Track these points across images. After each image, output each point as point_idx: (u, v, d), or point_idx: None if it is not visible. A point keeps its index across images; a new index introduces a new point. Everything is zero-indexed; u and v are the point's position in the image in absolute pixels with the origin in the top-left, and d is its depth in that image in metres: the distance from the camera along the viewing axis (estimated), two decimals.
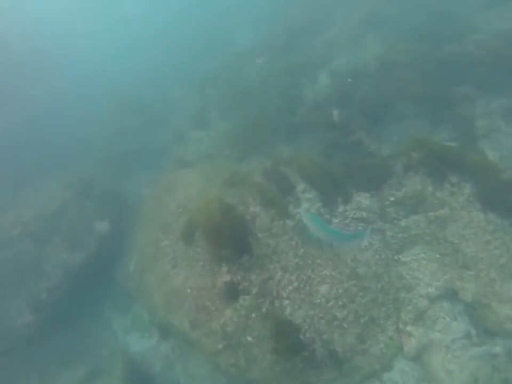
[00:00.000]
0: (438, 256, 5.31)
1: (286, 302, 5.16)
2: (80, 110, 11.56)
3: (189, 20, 17.14)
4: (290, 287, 5.29)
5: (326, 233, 5.14)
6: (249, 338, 4.93)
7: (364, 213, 5.89)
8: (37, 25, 12.85)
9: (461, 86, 6.31)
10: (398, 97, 6.54)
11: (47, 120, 10.54)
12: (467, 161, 5.26)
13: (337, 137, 6.35)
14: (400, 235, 5.67)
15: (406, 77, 6.72)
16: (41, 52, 11.85)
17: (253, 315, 5.04)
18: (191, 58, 14.98)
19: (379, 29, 9.02)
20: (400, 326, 4.91)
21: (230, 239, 5.26)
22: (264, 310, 5.00)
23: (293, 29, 10.98)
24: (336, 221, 5.98)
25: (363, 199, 5.96)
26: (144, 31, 17.89)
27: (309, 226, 5.23)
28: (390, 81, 6.82)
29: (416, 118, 6.43)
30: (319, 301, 5.15)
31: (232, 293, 5.01)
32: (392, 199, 5.82)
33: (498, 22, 7.75)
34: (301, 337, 4.71)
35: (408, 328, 4.85)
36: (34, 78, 11.03)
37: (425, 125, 6.46)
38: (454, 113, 6.12)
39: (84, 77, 13.11)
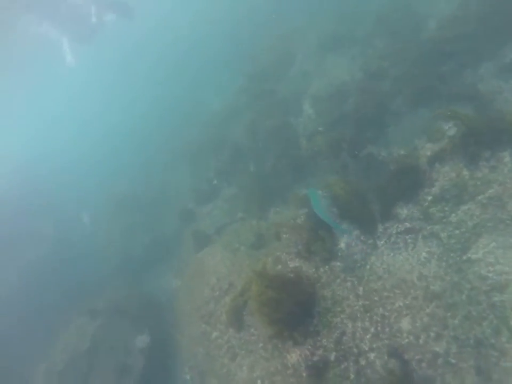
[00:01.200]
0: None
1: (372, 355, 4.39)
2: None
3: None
4: (368, 336, 4.55)
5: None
6: None
7: (406, 223, 5.36)
8: None
9: (443, 66, 6.19)
10: (388, 100, 6.39)
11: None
12: (491, 126, 4.84)
13: (347, 159, 6.05)
14: (457, 232, 5.05)
15: (389, 79, 6.65)
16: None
17: None
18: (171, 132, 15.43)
19: (341, 47, 9.26)
20: None
21: (282, 307, 4.66)
22: (352, 376, 4.22)
23: (258, 72, 11.34)
24: (382, 242, 5.44)
25: (399, 209, 5.47)
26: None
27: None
28: (373, 90, 6.73)
29: (413, 111, 6.20)
30: (407, 340, 4.38)
31: (309, 368, 4.28)
32: (429, 198, 5.32)
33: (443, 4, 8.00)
34: None
35: None
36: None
37: (425, 113, 6.19)
38: (449, 92, 5.89)
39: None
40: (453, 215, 5.12)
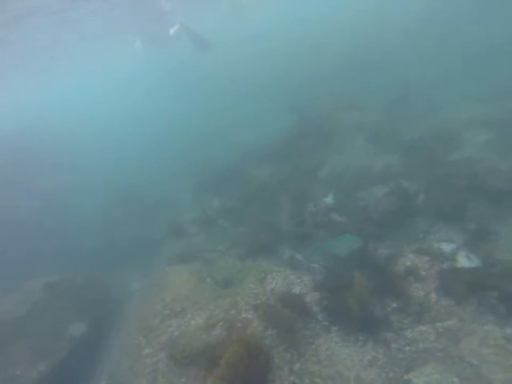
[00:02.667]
0: (456, 380, 4.61)
1: None
2: (79, 201, 12.00)
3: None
4: None
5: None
6: None
7: None
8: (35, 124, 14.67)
9: None
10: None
11: (47, 213, 10.76)
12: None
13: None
14: (407, 348, 5.09)
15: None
16: (39, 147, 13.11)
17: None
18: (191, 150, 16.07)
19: None
20: None
21: (213, 355, 4.71)
22: None
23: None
24: (335, 328, 5.49)
25: None
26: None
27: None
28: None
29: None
30: None
31: None
32: (394, 305, 5.45)
33: None
34: None
35: None
36: (34, 172, 11.83)
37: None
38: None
39: (83, 169, 14.07)
40: (409, 330, 5.19)
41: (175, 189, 13.14)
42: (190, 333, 5.61)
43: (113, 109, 29.53)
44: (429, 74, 12.06)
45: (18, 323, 6.79)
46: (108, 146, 18.17)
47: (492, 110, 9.45)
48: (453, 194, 7.33)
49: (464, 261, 6.38)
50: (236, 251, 8.35)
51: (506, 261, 5.46)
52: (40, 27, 14.56)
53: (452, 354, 4.76)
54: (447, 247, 6.56)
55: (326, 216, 7.94)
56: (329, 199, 8.68)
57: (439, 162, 8.41)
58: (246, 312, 5.50)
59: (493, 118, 9.07)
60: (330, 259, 6.79)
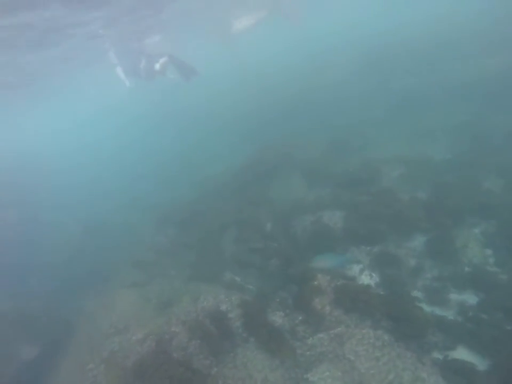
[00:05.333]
0: (339, 373, 5.73)
1: None
2: (48, 234, 12.73)
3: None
4: None
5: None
6: None
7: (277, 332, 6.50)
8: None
9: None
10: None
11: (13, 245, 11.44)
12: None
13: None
14: (308, 353, 6.16)
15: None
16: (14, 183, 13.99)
17: None
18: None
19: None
20: None
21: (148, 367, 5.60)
22: None
23: None
24: (252, 339, 6.49)
25: (275, 317, 6.67)
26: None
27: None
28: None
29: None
30: None
31: None
32: (300, 318, 6.56)
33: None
34: None
35: None
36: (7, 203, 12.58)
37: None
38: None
39: (55, 206, 14.85)
40: (310, 338, 6.29)
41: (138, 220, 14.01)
42: (127, 347, 6.47)
43: (86, 141, 30.55)
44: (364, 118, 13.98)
45: None
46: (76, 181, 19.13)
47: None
48: (367, 221, 8.72)
49: (367, 278, 7.70)
50: (183, 274, 9.31)
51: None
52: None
53: (338, 354, 5.88)
54: (355, 268, 7.88)
55: (262, 243, 9.13)
56: (267, 227, 9.93)
57: (362, 192, 9.86)
58: (175, 326, 6.45)
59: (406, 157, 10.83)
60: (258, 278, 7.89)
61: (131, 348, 6.34)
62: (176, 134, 22.17)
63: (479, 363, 5.50)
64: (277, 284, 7.84)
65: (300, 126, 14.78)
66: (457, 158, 10.33)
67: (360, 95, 15.73)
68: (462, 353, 5.74)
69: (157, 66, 14.37)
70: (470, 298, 6.61)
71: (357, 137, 13.11)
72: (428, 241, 7.88)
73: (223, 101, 23.86)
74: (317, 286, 6.85)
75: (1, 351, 7.52)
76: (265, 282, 8.21)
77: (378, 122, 13.38)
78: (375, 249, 8.13)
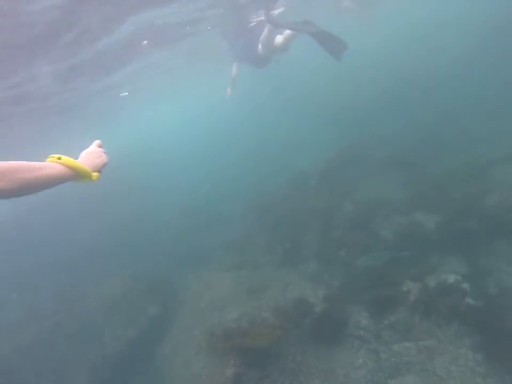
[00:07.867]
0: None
1: None
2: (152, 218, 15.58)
3: None
4: None
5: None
6: None
7: (361, 331, 6.64)
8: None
9: None
10: None
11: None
12: None
13: None
14: (393, 359, 6.15)
15: None
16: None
17: None
18: None
19: None
20: None
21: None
22: None
23: None
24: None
25: (361, 318, 6.79)
26: None
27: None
28: None
29: None
30: None
31: None
32: (386, 322, 6.54)
33: None
34: None
35: None
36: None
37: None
38: None
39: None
40: (396, 345, 6.24)
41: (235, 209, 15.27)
42: (225, 323, 7.53)
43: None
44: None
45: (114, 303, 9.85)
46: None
47: None
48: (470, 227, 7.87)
49: (466, 291, 7.07)
50: (272, 262, 10.05)
51: None
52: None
53: (427, 369, 5.69)
54: (450, 278, 7.30)
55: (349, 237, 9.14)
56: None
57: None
58: (265, 312, 7.19)
59: None
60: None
61: (227, 325, 7.36)
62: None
63: None
64: (363, 283, 7.84)
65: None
66: None
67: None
68: None
69: (279, 39, 9.86)
70: None
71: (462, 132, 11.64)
72: None
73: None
74: (406, 292, 6.67)
75: (136, 305, 9.72)
76: (350, 279, 8.25)
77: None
78: (481, 260, 7.34)
